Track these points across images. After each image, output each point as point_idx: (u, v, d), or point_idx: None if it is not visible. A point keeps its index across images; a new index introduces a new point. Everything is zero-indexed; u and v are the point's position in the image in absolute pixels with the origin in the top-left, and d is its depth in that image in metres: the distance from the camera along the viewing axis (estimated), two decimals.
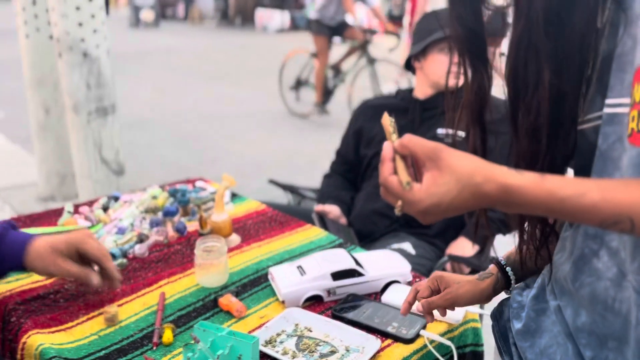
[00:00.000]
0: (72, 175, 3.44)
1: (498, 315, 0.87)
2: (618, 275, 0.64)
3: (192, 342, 0.90)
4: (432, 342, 0.98)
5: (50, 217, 1.45)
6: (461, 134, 0.79)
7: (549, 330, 0.76)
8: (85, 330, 1.00)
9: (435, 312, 0.93)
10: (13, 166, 4.18)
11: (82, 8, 2.57)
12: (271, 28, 16.28)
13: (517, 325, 0.81)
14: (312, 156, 4.58)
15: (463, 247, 1.66)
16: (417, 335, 0.99)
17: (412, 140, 0.64)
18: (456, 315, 1.03)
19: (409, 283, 1.15)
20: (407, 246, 1.60)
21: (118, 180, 2.91)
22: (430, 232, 1.70)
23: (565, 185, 0.58)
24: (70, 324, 1.01)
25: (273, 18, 16.43)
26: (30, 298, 1.08)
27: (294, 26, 16.25)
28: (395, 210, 0.64)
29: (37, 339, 0.96)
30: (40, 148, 3.34)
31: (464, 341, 1.06)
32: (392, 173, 0.64)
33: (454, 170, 0.61)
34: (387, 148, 0.66)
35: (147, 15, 15.89)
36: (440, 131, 1.79)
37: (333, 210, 1.79)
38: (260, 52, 11.54)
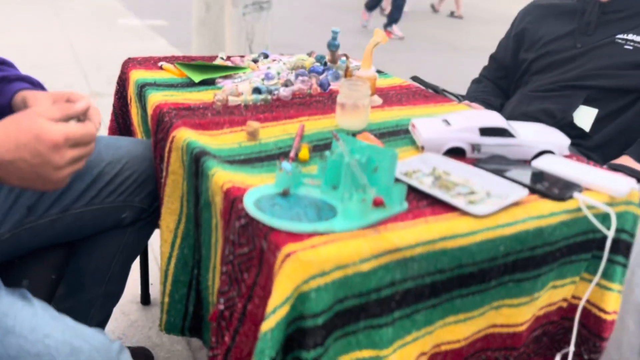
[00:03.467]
0: None
1: None
2: None
3: (326, 155, 0.87)
4: (589, 207, 0.87)
5: (204, 60, 1.52)
6: None
7: None
8: (228, 139, 1.03)
9: (596, 180, 0.82)
10: None
11: None
12: None
13: None
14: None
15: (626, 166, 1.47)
16: (570, 197, 0.88)
17: None
18: (621, 185, 0.90)
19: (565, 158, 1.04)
20: None
21: None
22: (587, 144, 1.53)
23: None
24: (215, 132, 1.05)
25: None
26: (182, 107, 1.14)
27: None
28: None
29: (185, 134, 1.00)
30: (198, 42, 3.54)
31: (621, 225, 0.93)
32: None
33: None
34: None
35: None
36: (620, 37, 1.57)
37: (478, 108, 1.67)
38: None
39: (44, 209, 1.04)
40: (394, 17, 7.03)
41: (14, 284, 0.98)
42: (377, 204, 0.78)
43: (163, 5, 7.50)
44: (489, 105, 1.72)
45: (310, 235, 0.71)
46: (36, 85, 1.02)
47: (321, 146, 1.04)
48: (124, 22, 6.19)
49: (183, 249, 1.04)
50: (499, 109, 1.74)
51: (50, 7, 6.65)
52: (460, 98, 1.97)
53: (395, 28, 7.05)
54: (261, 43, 2.90)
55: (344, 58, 1.48)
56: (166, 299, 1.07)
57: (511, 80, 1.81)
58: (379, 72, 1.58)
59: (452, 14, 9.43)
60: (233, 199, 0.80)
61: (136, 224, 1.18)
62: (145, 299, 1.70)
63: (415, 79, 2.00)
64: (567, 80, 1.59)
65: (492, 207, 0.81)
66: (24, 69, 1.05)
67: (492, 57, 1.88)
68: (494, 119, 1.03)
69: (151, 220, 1.20)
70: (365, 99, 1.10)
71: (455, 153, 1.02)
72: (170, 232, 1.05)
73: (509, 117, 1.65)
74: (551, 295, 0.94)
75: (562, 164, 0.98)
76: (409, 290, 0.75)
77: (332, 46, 1.37)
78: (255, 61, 1.50)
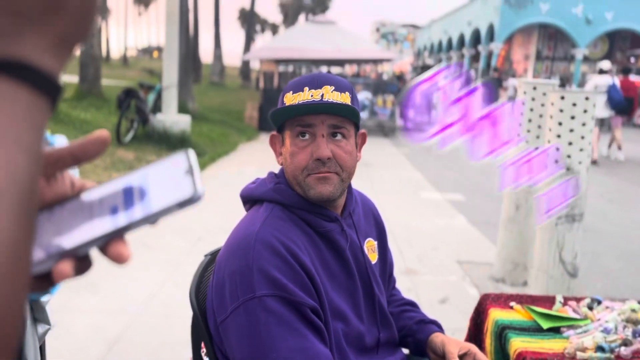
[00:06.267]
0: (523, 265, 3.92)
1: None
2: None
3: None
4: None
5: (544, 301, 1.87)
6: None
7: None
8: None
9: None
10: (471, 244, 5.00)
11: (575, 131, 3.03)
12: None
13: None
14: None
15: None
16: None
17: None
18: None
19: None
20: None
21: (570, 281, 3.19)
22: None
23: None
24: None
25: None
26: (539, 358, 1.49)
27: None
28: None
29: None
30: (504, 236, 3.96)
31: None
32: None
33: None
34: None
35: None
36: None
37: None
38: None
39: None
40: None
41: None
42: None
43: (459, 180, 8.31)
44: None
45: None
46: (439, 327, 1.51)
47: None
48: (426, 195, 7.10)
49: None
50: None
51: (367, 177, 8.06)
52: None
53: None
54: (571, 250, 3.13)
55: None
56: None
57: None
58: None
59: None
60: None
61: None
62: None
63: None
64: None
65: None
66: None
67: None
68: None
69: None
70: None
71: None
72: None
73: None
74: None
75: None
76: None
77: None
78: (590, 307, 1.79)
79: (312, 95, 1.24)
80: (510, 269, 3.95)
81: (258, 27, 73.18)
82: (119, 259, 0.42)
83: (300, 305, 1.17)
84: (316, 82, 1.26)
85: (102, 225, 0.43)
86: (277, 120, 1.29)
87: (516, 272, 3.93)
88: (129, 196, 0.44)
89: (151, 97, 9.39)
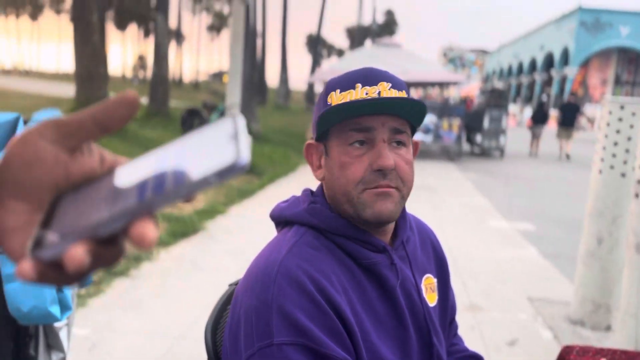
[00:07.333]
0: (606, 306, 3.47)
1: None
2: None
3: None
4: None
5: None
6: None
7: None
8: None
9: None
10: (543, 279, 4.54)
11: None
12: None
13: None
14: None
15: None
16: None
17: None
18: None
19: None
20: None
21: None
22: None
23: None
24: None
25: None
26: None
27: None
28: None
29: None
30: (583, 273, 3.52)
31: None
32: None
33: None
34: None
35: None
36: None
37: None
38: None
39: None
40: None
41: None
42: None
43: (529, 207, 7.77)
44: None
45: None
46: None
47: None
48: (493, 224, 6.63)
49: None
50: None
51: (429, 203, 7.69)
52: None
53: None
54: None
55: None
56: None
57: None
58: None
59: None
60: None
61: None
62: None
63: None
64: None
65: None
66: None
67: None
68: None
69: None
70: None
71: None
72: None
73: None
74: None
75: None
76: None
77: None
78: None
79: (367, 94, 1.01)
80: (590, 310, 3.50)
81: (325, 53, 74.23)
82: (142, 242, 0.36)
83: (327, 358, 0.92)
84: (370, 78, 1.02)
85: (125, 201, 0.37)
86: (323, 125, 1.06)
87: (598, 314, 3.47)
88: (162, 169, 0.37)
89: (214, 117, 9.51)
